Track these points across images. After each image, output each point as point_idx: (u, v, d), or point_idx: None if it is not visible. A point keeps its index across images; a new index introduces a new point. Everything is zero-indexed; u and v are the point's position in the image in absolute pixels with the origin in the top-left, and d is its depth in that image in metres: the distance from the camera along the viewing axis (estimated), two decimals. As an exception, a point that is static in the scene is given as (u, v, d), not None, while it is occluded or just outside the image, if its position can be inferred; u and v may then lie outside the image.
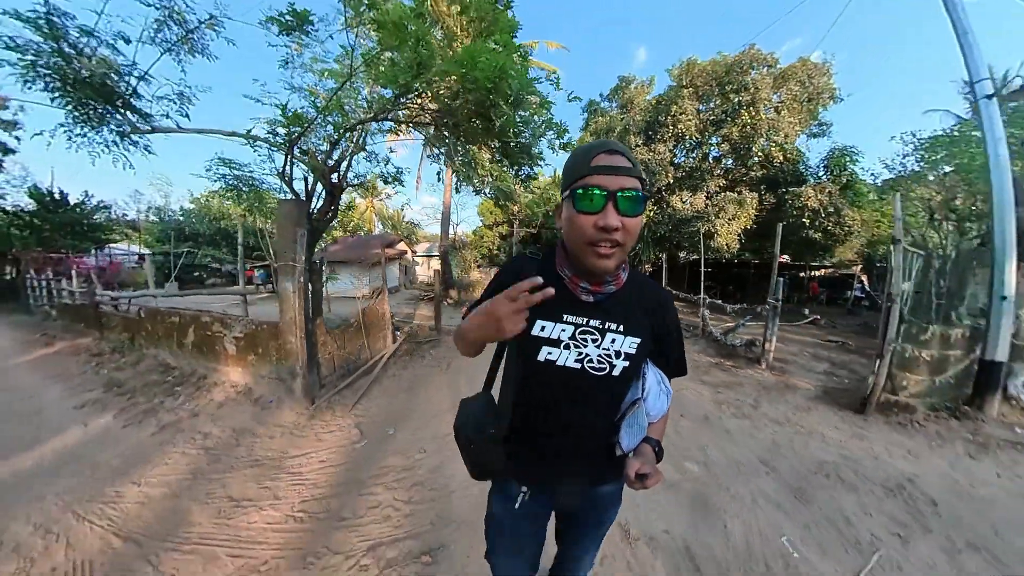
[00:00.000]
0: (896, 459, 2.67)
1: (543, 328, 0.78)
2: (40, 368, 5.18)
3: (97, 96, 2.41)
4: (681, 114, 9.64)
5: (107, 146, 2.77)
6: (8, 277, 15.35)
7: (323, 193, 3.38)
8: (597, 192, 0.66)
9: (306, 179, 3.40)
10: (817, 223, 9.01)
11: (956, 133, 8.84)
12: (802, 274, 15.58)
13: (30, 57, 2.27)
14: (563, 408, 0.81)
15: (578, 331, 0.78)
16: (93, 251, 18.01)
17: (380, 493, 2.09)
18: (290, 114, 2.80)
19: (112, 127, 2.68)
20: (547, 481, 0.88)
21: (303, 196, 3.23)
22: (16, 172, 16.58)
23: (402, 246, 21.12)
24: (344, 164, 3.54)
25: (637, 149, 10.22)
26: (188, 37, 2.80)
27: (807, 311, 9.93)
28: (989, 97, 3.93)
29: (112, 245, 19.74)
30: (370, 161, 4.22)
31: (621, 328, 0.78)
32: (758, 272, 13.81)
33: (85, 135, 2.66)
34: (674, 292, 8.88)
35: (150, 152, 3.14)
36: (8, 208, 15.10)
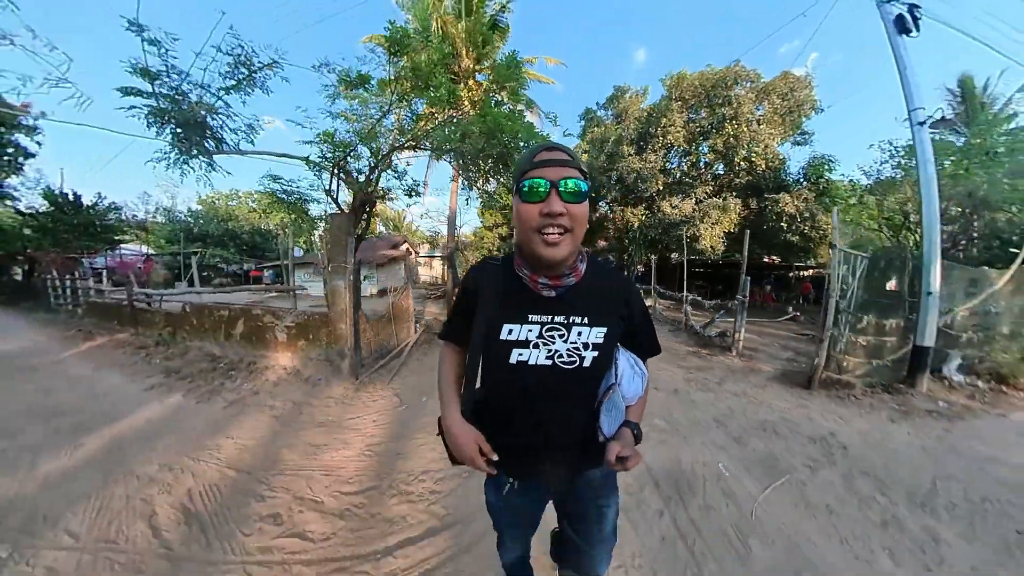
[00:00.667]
0: (827, 421, 3.33)
1: (510, 332, 0.81)
2: (90, 359, 5.68)
3: (199, 132, 3.04)
4: (670, 126, 10.32)
5: (194, 168, 3.40)
6: (18, 277, 15.77)
7: (360, 206, 4.02)
8: (541, 183, 0.71)
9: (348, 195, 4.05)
10: (794, 227, 9.73)
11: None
12: (791, 274, 16.33)
13: (159, 106, 2.92)
14: (540, 404, 0.83)
15: (544, 329, 0.81)
16: (106, 251, 18.45)
17: (424, 439, 2.72)
18: (337, 140, 3.43)
19: (201, 154, 3.30)
20: (534, 472, 0.91)
21: (347, 210, 3.89)
22: (31, 174, 16.98)
23: (406, 248, 21.69)
24: (375, 179, 4.18)
25: (630, 158, 10.88)
26: (252, 77, 3.41)
27: (791, 308, 10.64)
28: (921, 124, 4.62)
29: (123, 245, 20.20)
30: (394, 175, 4.86)
31: (586, 320, 0.81)
32: (746, 273, 14.51)
33: (185, 160, 3.28)
34: (663, 291, 9.53)
35: (225, 172, 3.80)
36: (23, 209, 15.50)
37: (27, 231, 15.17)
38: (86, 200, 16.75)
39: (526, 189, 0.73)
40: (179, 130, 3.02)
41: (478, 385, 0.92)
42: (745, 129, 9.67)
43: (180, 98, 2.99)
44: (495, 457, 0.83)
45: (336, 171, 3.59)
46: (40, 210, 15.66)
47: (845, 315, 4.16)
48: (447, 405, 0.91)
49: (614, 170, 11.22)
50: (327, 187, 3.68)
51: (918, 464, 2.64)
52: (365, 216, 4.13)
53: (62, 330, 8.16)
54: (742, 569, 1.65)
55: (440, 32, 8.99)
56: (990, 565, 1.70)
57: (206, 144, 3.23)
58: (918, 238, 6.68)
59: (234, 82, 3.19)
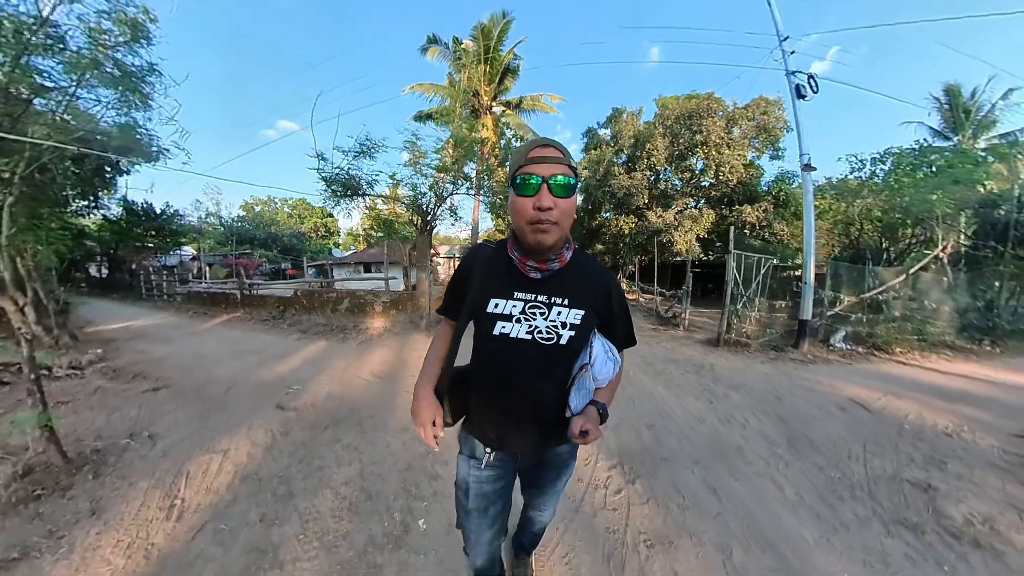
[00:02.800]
0: (712, 360, 5.31)
1: (496, 305, 0.88)
2: (230, 328, 7.54)
3: (347, 184, 5.33)
4: (654, 149, 12.27)
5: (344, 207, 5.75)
6: (97, 274, 18.33)
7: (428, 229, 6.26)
8: (534, 178, 0.77)
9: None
10: (756, 234, 11.58)
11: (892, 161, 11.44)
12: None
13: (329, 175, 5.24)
14: (519, 375, 0.90)
15: (527, 306, 0.87)
16: (172, 251, 21.12)
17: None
18: (419, 190, 5.63)
19: (347, 196, 5.60)
20: (508, 442, 0.98)
21: (423, 231, 6.13)
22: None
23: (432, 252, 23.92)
24: (435, 211, 6.41)
25: (620, 176, 12.88)
26: (371, 150, 5.64)
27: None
28: (804, 168, 6.57)
29: (182, 247, 22.91)
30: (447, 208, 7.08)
31: (566, 302, 0.88)
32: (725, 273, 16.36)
33: (338, 200, 5.59)
34: (643, 286, 11.47)
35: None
36: (109, 216, 18.06)
37: (106, 234, 17.29)
38: (157, 208, 19.16)
39: (520, 183, 0.78)
40: (337, 186, 5.28)
41: (470, 357, 0.98)
42: (714, 153, 11.57)
43: (338, 170, 5.23)
44: (441, 434, 0.95)
45: (415, 208, 5.80)
46: (118, 216, 17.92)
47: (742, 299, 6.15)
48: (423, 375, 1.01)
49: (608, 186, 13.25)
50: (411, 218, 5.93)
51: (754, 379, 4.61)
52: (428, 234, 6.30)
53: (173, 313, 10.15)
54: (630, 409, 3.69)
55: (464, 76, 11.12)
56: (748, 407, 3.70)
57: (349, 191, 5.51)
58: (869, 238, 8.60)
59: (360, 152, 5.44)
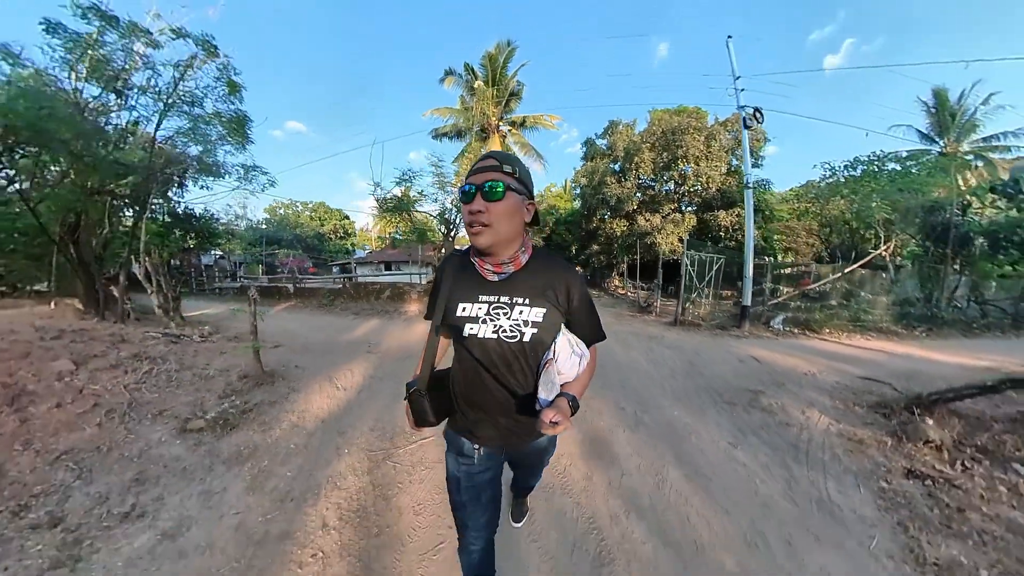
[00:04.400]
0: (665, 334, 6.94)
1: (464, 308, 0.95)
2: (294, 313, 9.18)
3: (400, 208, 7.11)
4: (641, 163, 13.86)
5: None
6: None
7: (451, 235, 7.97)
8: (470, 188, 0.87)
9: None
10: (730, 236, 13.12)
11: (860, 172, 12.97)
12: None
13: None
14: (489, 372, 0.96)
15: (491, 307, 0.94)
16: (210, 252, 23.22)
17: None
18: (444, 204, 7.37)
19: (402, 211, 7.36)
20: (488, 436, 1.05)
21: (446, 237, 7.85)
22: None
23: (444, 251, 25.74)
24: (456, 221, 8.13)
25: (612, 186, 14.52)
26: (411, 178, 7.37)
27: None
28: (747, 187, 8.18)
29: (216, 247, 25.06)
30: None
31: (527, 301, 0.93)
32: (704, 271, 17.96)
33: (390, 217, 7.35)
34: (638, 283, 13.04)
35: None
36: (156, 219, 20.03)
37: (149, 236, 19.52)
38: (197, 212, 21.08)
39: (462, 195, 0.90)
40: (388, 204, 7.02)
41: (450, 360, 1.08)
42: (693, 165, 13.12)
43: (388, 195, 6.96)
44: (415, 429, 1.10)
45: (443, 221, 7.53)
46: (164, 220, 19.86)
47: (696, 289, 7.78)
48: (417, 379, 1.08)
49: (602, 194, 14.90)
50: (443, 231, 7.69)
51: (690, 344, 6.24)
52: (451, 239, 8.03)
53: (234, 303, 12.01)
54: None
55: (477, 108, 12.86)
56: (673, 357, 5.36)
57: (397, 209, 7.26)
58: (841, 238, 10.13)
59: (402, 180, 7.19)
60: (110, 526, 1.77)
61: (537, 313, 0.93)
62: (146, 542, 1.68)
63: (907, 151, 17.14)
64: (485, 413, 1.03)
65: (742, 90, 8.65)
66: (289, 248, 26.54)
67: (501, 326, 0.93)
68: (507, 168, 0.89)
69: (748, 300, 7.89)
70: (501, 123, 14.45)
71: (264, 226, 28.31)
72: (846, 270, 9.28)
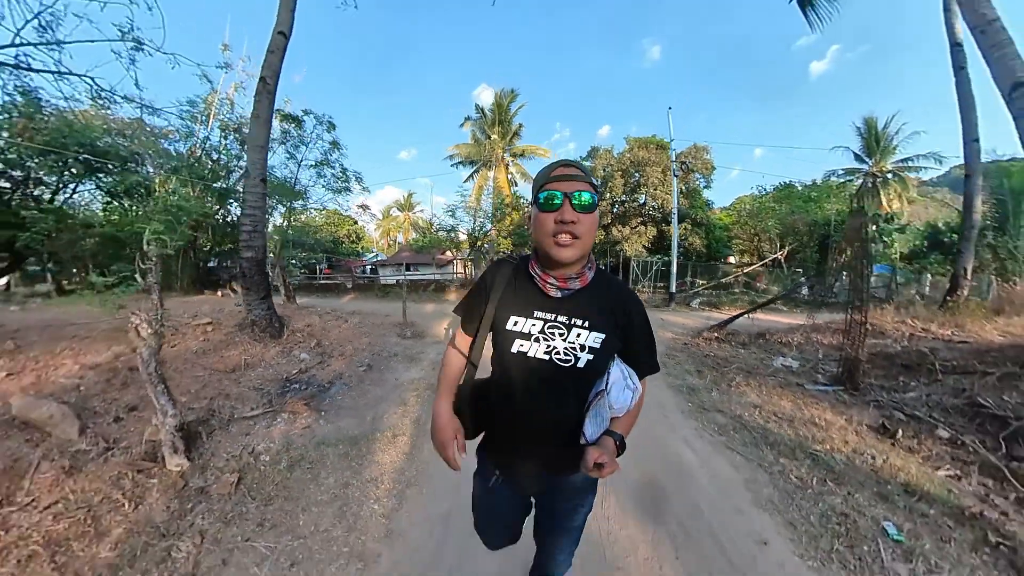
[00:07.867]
0: None
1: (516, 323, 0.87)
2: (360, 302, 12.51)
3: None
4: (614, 186, 17.76)
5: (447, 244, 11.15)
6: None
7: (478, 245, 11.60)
8: (556, 195, 0.79)
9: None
10: (680, 244, 17.13)
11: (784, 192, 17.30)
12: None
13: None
14: (534, 395, 0.87)
15: (547, 326, 0.85)
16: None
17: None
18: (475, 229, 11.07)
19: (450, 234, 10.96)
20: (516, 465, 0.96)
21: (472, 246, 11.48)
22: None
23: (449, 255, 29.30)
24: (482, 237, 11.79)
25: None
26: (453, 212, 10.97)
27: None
28: (675, 218, 12.11)
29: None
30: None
31: (586, 324, 0.84)
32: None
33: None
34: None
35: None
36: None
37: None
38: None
39: (543, 200, 0.80)
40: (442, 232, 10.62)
41: (490, 372, 0.95)
42: (652, 190, 17.06)
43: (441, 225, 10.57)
44: (464, 453, 0.92)
45: (471, 238, 11.18)
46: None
47: (642, 282, 11.65)
48: (441, 394, 0.98)
49: (583, 209, 18.80)
50: (470, 240, 11.28)
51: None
52: (477, 249, 11.69)
53: (303, 296, 15.41)
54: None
55: (489, 149, 16.64)
56: None
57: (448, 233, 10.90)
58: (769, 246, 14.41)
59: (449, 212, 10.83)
60: (395, 366, 5.37)
61: (595, 339, 0.85)
62: (416, 374, 5.28)
63: (843, 169, 21.23)
64: (525, 440, 0.94)
65: (677, 151, 12.57)
66: (311, 251, 29.51)
67: (555, 347, 0.85)
68: (592, 179, 0.84)
69: (674, 288, 11.82)
70: (505, 154, 18.23)
71: (290, 232, 31.13)
72: (746, 269, 13.29)
